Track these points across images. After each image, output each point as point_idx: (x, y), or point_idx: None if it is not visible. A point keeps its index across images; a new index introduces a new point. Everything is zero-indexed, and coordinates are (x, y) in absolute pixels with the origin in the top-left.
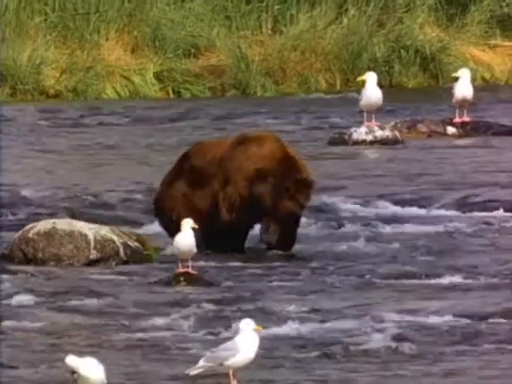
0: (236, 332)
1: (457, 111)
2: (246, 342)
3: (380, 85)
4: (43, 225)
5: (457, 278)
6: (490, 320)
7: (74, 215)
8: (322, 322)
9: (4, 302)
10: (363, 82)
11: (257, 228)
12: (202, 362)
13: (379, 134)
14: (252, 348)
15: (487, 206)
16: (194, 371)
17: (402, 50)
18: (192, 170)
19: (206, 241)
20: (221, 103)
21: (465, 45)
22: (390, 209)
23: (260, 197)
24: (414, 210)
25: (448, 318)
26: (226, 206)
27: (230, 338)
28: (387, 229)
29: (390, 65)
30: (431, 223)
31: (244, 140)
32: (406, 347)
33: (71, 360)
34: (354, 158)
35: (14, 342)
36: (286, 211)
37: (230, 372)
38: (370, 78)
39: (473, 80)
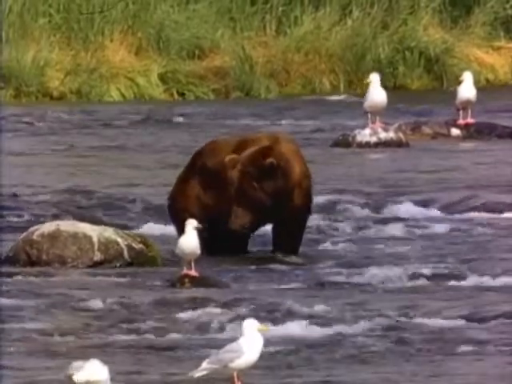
0: (240, 333)
1: (461, 113)
2: (250, 343)
3: (384, 86)
4: (47, 227)
5: (460, 279)
6: (493, 321)
7: (78, 217)
8: (327, 323)
9: (8, 303)
10: (369, 84)
11: (262, 230)
12: (205, 364)
13: (383, 135)
14: (256, 349)
15: (491, 207)
16: (197, 373)
17: (406, 52)
18: (204, 170)
19: (216, 242)
20: (225, 105)
21: (469, 46)
22: (393, 210)
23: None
24: (418, 212)
25: (451, 319)
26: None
27: (234, 340)
28: (390, 230)
29: (394, 66)
30: (435, 224)
31: (243, 143)
32: (411, 348)
33: (76, 366)
34: (358, 159)
35: (17, 344)
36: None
37: (235, 374)
38: (375, 80)
39: (477, 82)
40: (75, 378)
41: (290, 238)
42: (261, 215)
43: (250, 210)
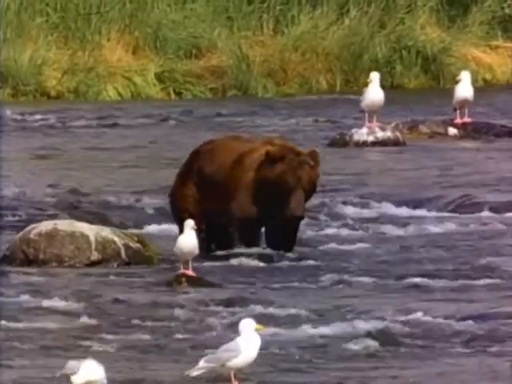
0: (237, 332)
1: (458, 112)
2: (247, 342)
3: (381, 86)
4: (44, 226)
5: (457, 279)
6: (491, 321)
7: (75, 216)
8: (324, 322)
9: (5, 302)
10: (369, 83)
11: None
12: (202, 363)
13: (380, 134)
14: (253, 348)
15: (489, 206)
16: (194, 372)
17: (403, 51)
18: (201, 172)
19: (213, 242)
20: (222, 104)
21: (466, 46)
22: (391, 210)
23: (282, 175)
24: (415, 211)
25: (448, 318)
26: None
27: (231, 339)
28: (388, 230)
29: (392, 66)
30: (432, 224)
31: (241, 157)
32: (408, 348)
33: (71, 366)
34: (356, 159)
35: (14, 343)
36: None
37: (232, 373)
38: (375, 79)
39: (474, 81)
40: (72, 378)
41: (289, 237)
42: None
43: (304, 196)
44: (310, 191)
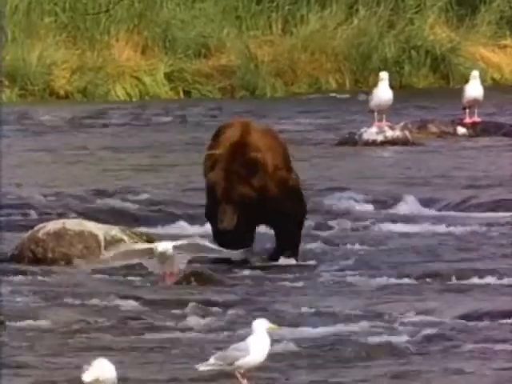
0: (249, 332)
1: (467, 112)
2: (257, 343)
3: (390, 85)
4: (53, 225)
5: (461, 279)
6: (494, 320)
7: (84, 215)
8: (331, 323)
9: (13, 301)
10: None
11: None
12: (212, 360)
13: (389, 134)
14: (263, 350)
15: (496, 206)
16: (203, 367)
17: (412, 51)
18: None
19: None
20: (230, 103)
21: (475, 45)
22: (399, 209)
23: (214, 185)
24: (423, 210)
25: (453, 318)
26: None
27: (239, 339)
28: (396, 229)
29: (401, 65)
30: (440, 223)
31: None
32: (413, 347)
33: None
34: (364, 158)
35: (21, 342)
36: (238, 195)
37: (237, 372)
38: (384, 78)
39: (482, 81)
40: (82, 377)
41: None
42: (249, 213)
43: (238, 207)
44: (243, 203)
